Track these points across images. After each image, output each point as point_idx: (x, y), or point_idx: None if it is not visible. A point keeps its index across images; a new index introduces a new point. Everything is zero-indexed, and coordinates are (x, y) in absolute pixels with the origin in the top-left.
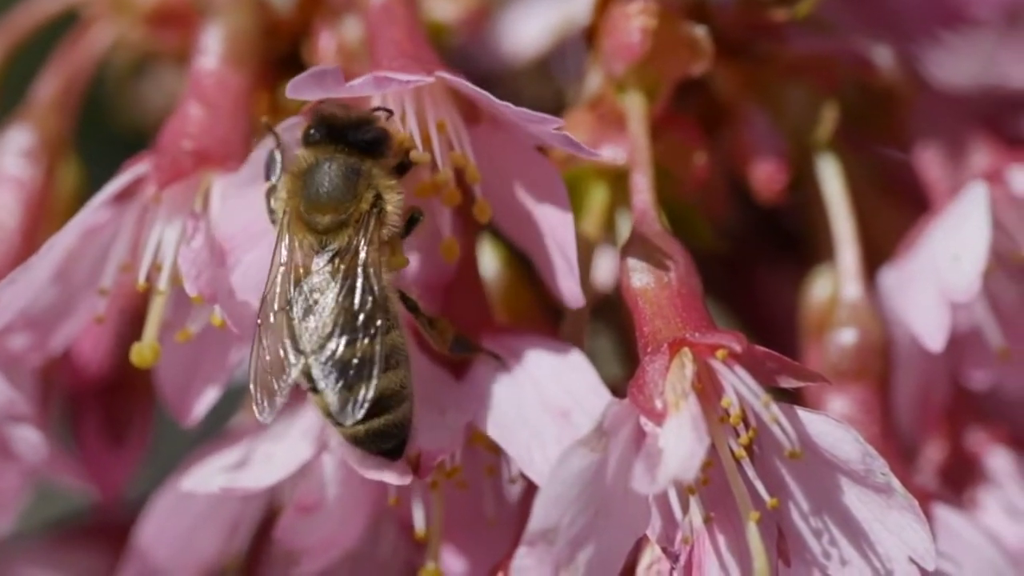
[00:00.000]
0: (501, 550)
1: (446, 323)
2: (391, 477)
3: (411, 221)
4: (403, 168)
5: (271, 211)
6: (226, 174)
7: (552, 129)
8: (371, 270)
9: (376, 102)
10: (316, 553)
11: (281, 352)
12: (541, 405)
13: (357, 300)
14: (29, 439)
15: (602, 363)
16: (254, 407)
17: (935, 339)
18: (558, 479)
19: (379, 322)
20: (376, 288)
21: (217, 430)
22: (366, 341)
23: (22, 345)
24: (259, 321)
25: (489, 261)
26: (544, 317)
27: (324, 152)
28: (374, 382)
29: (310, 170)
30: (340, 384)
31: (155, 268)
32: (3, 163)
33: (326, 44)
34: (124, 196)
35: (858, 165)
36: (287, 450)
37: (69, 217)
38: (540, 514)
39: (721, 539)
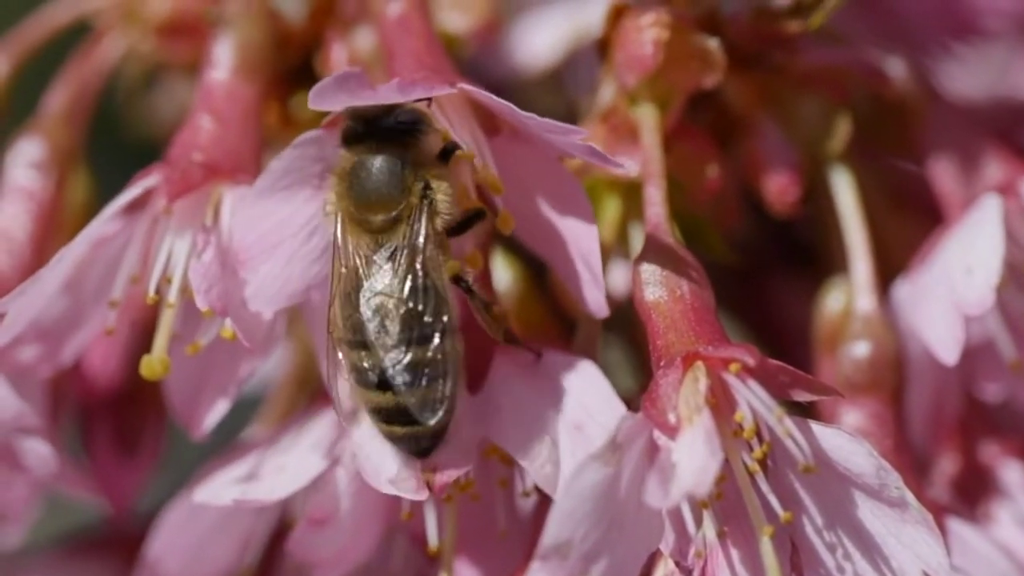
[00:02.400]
0: (514, 563)
1: (501, 309)
2: (406, 492)
3: (474, 216)
4: (446, 154)
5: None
6: (236, 186)
7: (578, 140)
8: (430, 265)
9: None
10: (328, 566)
11: (356, 358)
12: (555, 418)
13: (421, 298)
14: (39, 451)
15: (615, 375)
16: (337, 415)
17: (949, 352)
18: (572, 493)
19: (445, 318)
20: (438, 283)
21: (229, 442)
22: (436, 339)
23: (32, 356)
24: (330, 331)
25: (502, 275)
26: (557, 330)
27: (365, 149)
28: (450, 380)
29: (354, 169)
30: (416, 384)
31: (165, 281)
32: (13, 174)
33: (338, 55)
34: (134, 207)
35: (871, 177)
36: (300, 462)
37: (79, 228)
38: (554, 528)
39: (735, 553)
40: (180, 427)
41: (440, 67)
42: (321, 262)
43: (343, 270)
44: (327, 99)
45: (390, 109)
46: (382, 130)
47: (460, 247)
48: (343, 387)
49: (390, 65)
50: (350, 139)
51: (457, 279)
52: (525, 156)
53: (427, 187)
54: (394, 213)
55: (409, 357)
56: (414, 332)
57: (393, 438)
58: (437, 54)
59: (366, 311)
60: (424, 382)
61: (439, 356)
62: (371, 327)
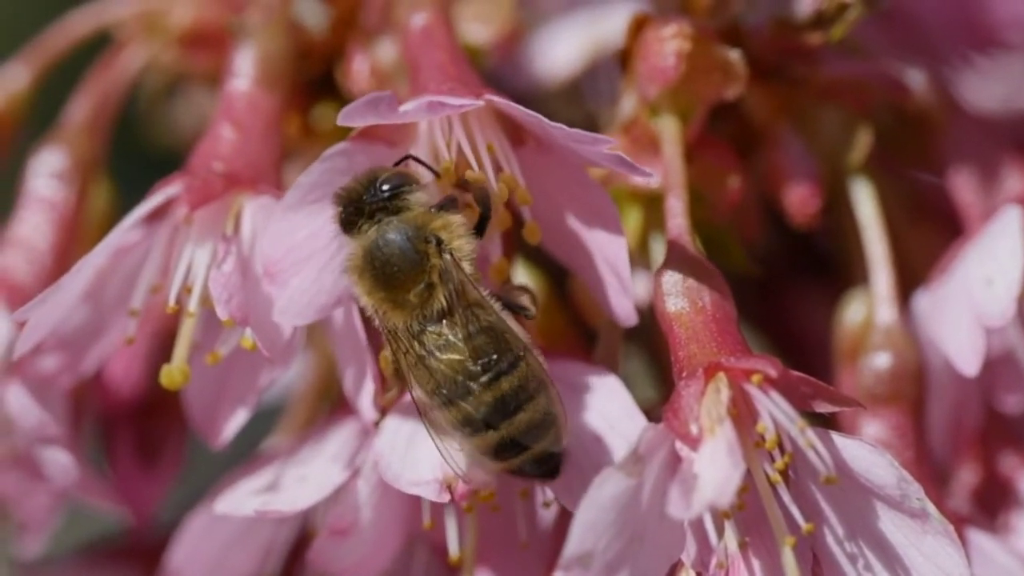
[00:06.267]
0: (535, 574)
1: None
2: (428, 494)
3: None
4: (452, 204)
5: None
6: (257, 196)
7: (605, 149)
8: (478, 310)
9: (423, 127)
10: None
11: (452, 417)
12: (577, 429)
13: (487, 346)
14: (60, 461)
15: (635, 386)
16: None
17: (969, 363)
18: (594, 504)
19: (519, 351)
20: (493, 321)
21: (251, 452)
22: (520, 366)
23: (53, 366)
24: (423, 414)
25: None
26: (578, 340)
27: (366, 235)
28: (552, 392)
29: (368, 263)
30: (518, 412)
31: (185, 290)
32: (35, 184)
33: (360, 66)
34: (155, 217)
35: (891, 188)
36: (321, 472)
37: (100, 239)
38: (576, 539)
39: (756, 564)
40: (201, 437)
41: (466, 79)
42: None
43: (405, 354)
44: (356, 118)
45: (371, 181)
46: (373, 204)
47: (486, 258)
48: (458, 464)
49: (414, 78)
50: (347, 225)
51: (499, 300)
52: (551, 166)
53: (440, 242)
54: (424, 282)
55: (502, 396)
56: (495, 372)
57: (515, 470)
58: (462, 66)
59: (444, 381)
60: (524, 407)
61: (527, 379)
62: (458, 390)
